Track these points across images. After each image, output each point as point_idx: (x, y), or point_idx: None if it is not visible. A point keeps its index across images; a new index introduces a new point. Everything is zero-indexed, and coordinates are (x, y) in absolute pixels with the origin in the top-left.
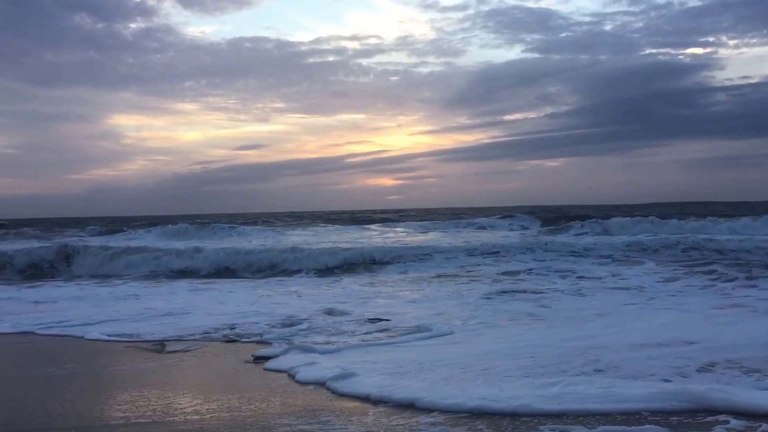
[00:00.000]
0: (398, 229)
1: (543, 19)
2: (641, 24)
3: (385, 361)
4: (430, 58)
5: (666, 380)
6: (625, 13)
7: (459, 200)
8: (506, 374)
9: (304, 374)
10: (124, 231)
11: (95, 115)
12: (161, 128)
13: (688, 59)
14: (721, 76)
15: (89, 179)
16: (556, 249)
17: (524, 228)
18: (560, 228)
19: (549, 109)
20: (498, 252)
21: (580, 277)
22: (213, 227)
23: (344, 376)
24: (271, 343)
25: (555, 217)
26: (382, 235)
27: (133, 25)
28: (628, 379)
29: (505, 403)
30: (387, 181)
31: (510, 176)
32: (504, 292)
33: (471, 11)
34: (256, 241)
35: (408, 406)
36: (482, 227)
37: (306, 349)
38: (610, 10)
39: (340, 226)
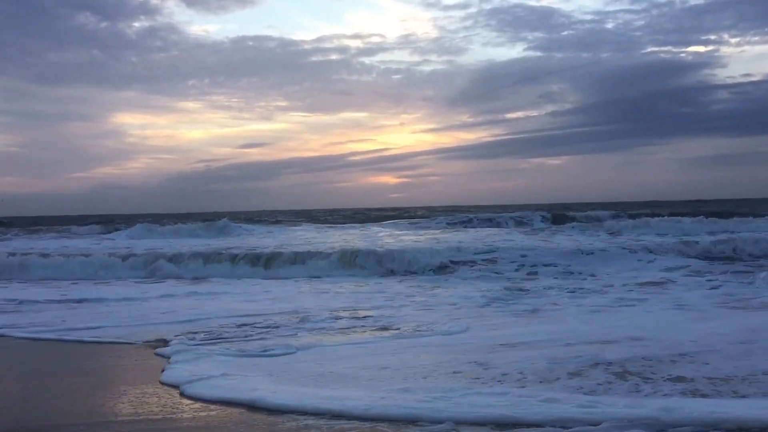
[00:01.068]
0: (408, 227)
1: (545, 18)
2: (643, 22)
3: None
4: (433, 57)
5: (522, 387)
6: (626, 11)
7: (461, 198)
8: (372, 377)
9: (165, 376)
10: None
11: (99, 114)
12: (165, 127)
13: (689, 57)
14: (723, 74)
15: (93, 177)
16: (572, 248)
17: (534, 225)
18: (578, 225)
19: (551, 108)
20: (521, 254)
21: (593, 275)
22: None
23: (194, 380)
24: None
25: (566, 215)
26: (400, 234)
27: (136, 24)
28: (489, 384)
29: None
30: (389, 179)
31: (512, 174)
32: (509, 289)
33: (473, 9)
34: (271, 239)
35: (249, 406)
36: (496, 225)
37: (205, 353)
38: (611, 8)
39: (354, 225)
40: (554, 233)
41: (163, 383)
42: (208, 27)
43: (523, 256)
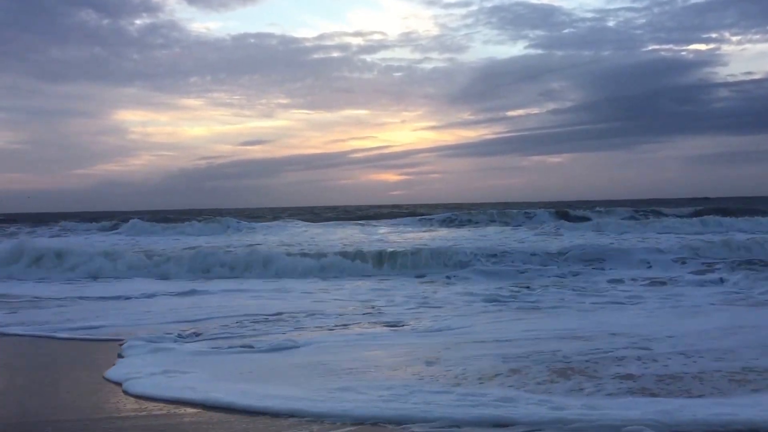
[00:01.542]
0: (414, 225)
1: (546, 15)
2: (644, 20)
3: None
4: (434, 54)
5: (457, 384)
6: (628, 9)
7: (462, 196)
8: (302, 374)
9: (110, 372)
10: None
11: (101, 111)
12: (166, 124)
13: (691, 55)
14: (724, 72)
15: (95, 174)
16: (583, 245)
17: (543, 222)
18: (587, 223)
19: (552, 105)
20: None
21: (602, 273)
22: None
23: (133, 377)
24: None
25: (568, 212)
26: (406, 231)
27: (138, 21)
28: (426, 381)
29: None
30: (391, 177)
31: (513, 172)
32: (517, 286)
33: (474, 7)
34: (276, 237)
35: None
36: (504, 223)
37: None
38: (613, 6)
39: (359, 222)
40: (565, 230)
41: (107, 379)
42: (209, 24)
43: (533, 254)
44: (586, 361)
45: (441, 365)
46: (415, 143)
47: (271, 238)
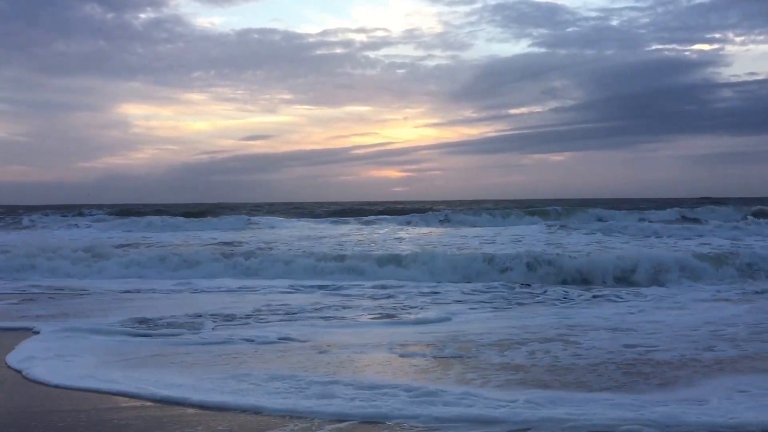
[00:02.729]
0: (427, 223)
1: (550, 14)
2: (648, 20)
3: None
4: (437, 52)
5: (336, 372)
6: (631, 8)
7: (463, 193)
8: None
9: (10, 357)
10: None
11: (105, 105)
12: (169, 118)
13: (694, 55)
14: (727, 73)
15: (98, 167)
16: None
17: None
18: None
19: (554, 104)
20: None
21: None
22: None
23: (25, 365)
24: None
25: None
26: (424, 231)
27: (142, 16)
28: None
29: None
30: (392, 173)
31: (514, 170)
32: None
33: (478, 5)
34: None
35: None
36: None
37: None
38: (617, 5)
39: (368, 219)
40: (580, 231)
41: (8, 364)
42: (213, 19)
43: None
44: (496, 352)
45: (330, 354)
46: (417, 140)
47: (286, 233)
